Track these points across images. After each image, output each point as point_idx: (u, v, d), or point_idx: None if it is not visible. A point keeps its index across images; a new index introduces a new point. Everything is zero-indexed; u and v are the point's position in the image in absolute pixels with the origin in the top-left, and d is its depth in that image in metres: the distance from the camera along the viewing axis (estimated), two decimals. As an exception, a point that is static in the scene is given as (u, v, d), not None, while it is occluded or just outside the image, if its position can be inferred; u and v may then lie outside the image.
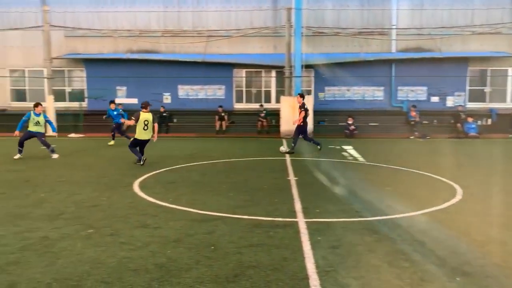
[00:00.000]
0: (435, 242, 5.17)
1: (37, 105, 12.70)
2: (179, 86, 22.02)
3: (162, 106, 21.18)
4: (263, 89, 22.59)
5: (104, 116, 17.03)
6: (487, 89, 22.75)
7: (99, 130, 20.22)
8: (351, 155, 13.71)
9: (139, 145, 11.29)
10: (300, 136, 14.02)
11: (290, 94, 19.78)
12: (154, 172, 10.05)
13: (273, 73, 22.33)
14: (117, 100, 21.32)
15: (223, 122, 20.77)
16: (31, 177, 9.48)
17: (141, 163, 10.94)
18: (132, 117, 11.24)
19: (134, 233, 5.50)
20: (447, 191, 8.15)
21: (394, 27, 21.85)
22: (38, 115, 12.51)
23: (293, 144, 13.76)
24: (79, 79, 22.35)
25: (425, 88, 22.44)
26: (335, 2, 21.71)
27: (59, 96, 21.34)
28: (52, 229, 5.65)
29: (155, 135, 11.38)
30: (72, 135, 19.56)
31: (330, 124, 21.20)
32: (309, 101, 19.75)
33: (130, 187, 8.40)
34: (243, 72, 22.40)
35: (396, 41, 21.90)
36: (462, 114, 21.03)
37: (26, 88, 22.50)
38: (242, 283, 4.01)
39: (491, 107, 22.32)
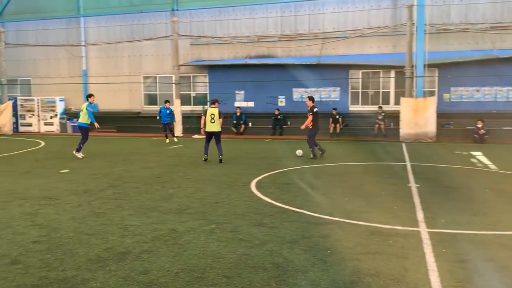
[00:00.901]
0: None
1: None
2: (294, 89, 22.27)
3: (276, 109, 21.66)
4: (381, 90, 21.76)
5: (157, 117, 18.53)
6: None
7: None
8: (481, 162, 12.48)
9: (210, 138, 12.20)
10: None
11: (411, 95, 18.73)
12: (269, 173, 10.31)
13: (392, 74, 21.37)
14: (235, 104, 22.41)
15: (337, 125, 20.48)
16: (161, 174, 10.39)
17: (204, 158, 12.24)
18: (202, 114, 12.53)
19: (252, 231, 5.70)
20: None
21: (535, 19, 19.37)
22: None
23: (311, 149, 12.81)
24: (203, 84, 23.93)
25: None
26: (463, -4, 20.02)
27: (185, 100, 23.09)
28: (179, 223, 6.12)
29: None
30: (196, 136, 20.98)
31: (456, 128, 19.56)
32: (432, 103, 18.51)
33: (247, 186, 8.72)
34: (359, 73, 21.84)
35: (538, 35, 19.37)
36: None
37: (157, 93, 24.78)
38: (360, 291, 3.90)
39: None
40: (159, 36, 23.36)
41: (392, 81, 21.59)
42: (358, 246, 5.09)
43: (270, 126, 21.44)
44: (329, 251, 4.92)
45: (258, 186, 8.74)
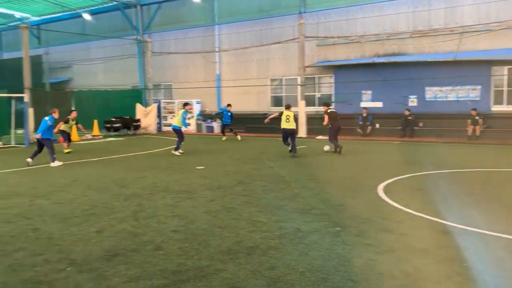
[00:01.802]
0: None
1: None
2: (427, 88, 20.85)
3: (407, 109, 20.51)
4: (531, 88, 19.18)
5: (216, 113, 19.32)
6: None
7: (344, 132, 21.02)
8: None
9: (287, 136, 14.05)
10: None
11: None
12: (398, 177, 9.83)
13: (546, 69, 18.70)
14: (362, 104, 21.83)
15: (477, 127, 18.59)
16: (286, 173, 10.63)
17: (293, 154, 13.72)
18: (277, 113, 14.70)
19: (379, 237, 5.51)
20: None
21: None
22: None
23: (335, 145, 14.48)
24: (328, 85, 23.82)
25: None
26: None
27: (309, 101, 23.25)
28: (304, 223, 6.20)
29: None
30: (320, 137, 20.97)
31: None
32: None
33: (374, 190, 8.44)
34: (504, 70, 19.55)
35: None
36: None
37: (283, 94, 25.38)
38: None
39: None
40: (286, 39, 23.89)
41: (546, 77, 18.88)
42: (499, 262, 4.59)
43: (400, 127, 20.40)
44: (465, 264, 4.52)
45: (386, 190, 8.40)
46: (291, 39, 23.49)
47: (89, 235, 5.77)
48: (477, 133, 18.61)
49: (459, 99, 20.02)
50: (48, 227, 6.15)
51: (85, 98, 25.00)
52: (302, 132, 21.64)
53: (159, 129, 27.00)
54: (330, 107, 15.67)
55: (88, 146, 18.86)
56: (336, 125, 14.77)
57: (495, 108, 19.85)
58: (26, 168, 12.15)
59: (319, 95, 24.03)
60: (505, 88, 19.77)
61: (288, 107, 14.51)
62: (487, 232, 5.59)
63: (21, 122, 19.82)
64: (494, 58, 19.16)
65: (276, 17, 24.46)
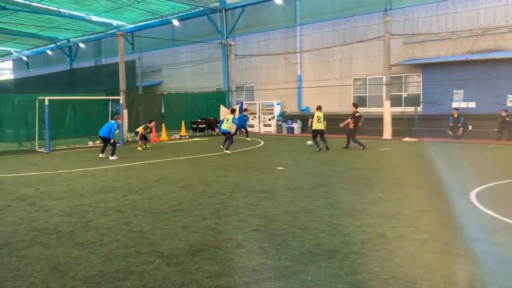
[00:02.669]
0: None
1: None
2: (529, 87, 19.03)
3: (504, 110, 18.84)
4: None
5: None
6: None
7: (433, 134, 19.98)
8: None
9: (316, 135, 15.76)
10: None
11: None
12: (494, 183, 9.07)
13: None
14: (453, 104, 20.47)
15: None
16: (369, 176, 10.31)
17: (317, 149, 15.45)
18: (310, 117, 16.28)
19: (471, 246, 5.14)
20: None
21: None
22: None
23: (359, 145, 16.04)
24: (415, 84, 22.68)
25: None
26: None
27: (395, 101, 22.31)
28: (388, 228, 5.97)
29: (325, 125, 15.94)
30: (406, 139, 20.06)
31: None
32: None
33: (466, 196, 7.87)
34: None
35: None
36: None
37: (366, 94, 24.64)
38: None
39: None
40: (370, 38, 23.19)
41: None
42: None
43: (496, 129, 18.82)
44: None
45: (479, 196, 7.80)
46: (376, 37, 22.75)
47: (176, 230, 6.07)
48: None
49: None
50: (140, 221, 6.58)
51: (173, 100, 26.35)
52: (387, 134, 20.85)
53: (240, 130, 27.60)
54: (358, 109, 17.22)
55: (176, 145, 19.86)
56: (355, 128, 16.65)
57: None
58: (121, 165, 13.12)
59: (406, 95, 22.96)
60: None
61: (319, 109, 16.19)
62: None
63: (116, 123, 21.40)
64: None
65: (360, 15, 23.83)
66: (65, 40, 43.16)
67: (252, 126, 27.60)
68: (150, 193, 8.78)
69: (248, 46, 29.09)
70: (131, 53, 35.83)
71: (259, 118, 27.46)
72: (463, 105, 20.41)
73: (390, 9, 22.56)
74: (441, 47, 21.36)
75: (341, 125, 17.15)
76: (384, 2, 22.75)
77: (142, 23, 35.13)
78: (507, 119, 18.61)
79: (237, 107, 22.91)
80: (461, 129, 19.61)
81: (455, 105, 20.42)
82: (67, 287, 4.19)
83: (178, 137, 23.72)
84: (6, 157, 15.88)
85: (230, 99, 27.90)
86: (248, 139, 21.45)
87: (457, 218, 6.40)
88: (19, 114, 18.22)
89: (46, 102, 17.25)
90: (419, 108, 21.79)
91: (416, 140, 19.77)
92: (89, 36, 40.41)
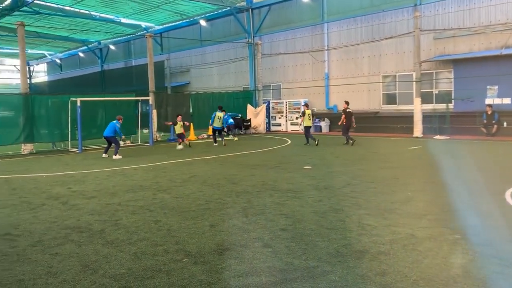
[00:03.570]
0: None
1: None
2: None
3: (542, 106, 18.13)
4: None
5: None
6: None
7: (466, 132, 19.40)
8: None
9: (308, 130, 18.20)
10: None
11: None
12: (531, 182, 8.72)
13: None
14: (486, 101, 19.83)
15: None
16: (399, 175, 10.11)
17: (313, 143, 17.70)
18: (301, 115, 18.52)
19: (507, 248, 4.95)
20: None
21: None
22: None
23: (347, 138, 18.05)
24: (447, 80, 22.08)
25: None
26: None
27: (426, 98, 21.79)
28: (418, 228, 5.82)
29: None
30: (437, 136, 19.57)
31: None
32: None
33: (501, 195, 7.60)
34: None
35: None
36: None
37: (396, 92, 24.15)
38: None
39: None
40: (399, 34, 22.73)
41: None
42: None
43: (532, 126, 18.12)
44: None
45: (515, 196, 7.52)
46: (405, 33, 22.29)
47: (203, 228, 6.11)
48: None
49: None
50: (168, 220, 6.66)
51: (201, 100, 26.57)
52: (418, 132, 20.40)
53: (268, 128, 27.60)
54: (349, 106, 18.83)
55: (204, 144, 20.03)
56: (348, 123, 18.27)
57: None
58: (150, 164, 13.33)
59: (437, 92, 22.39)
60: None
61: (307, 106, 18.89)
62: None
63: (146, 123, 21.77)
64: None
65: (389, 11, 23.39)
66: (96, 42, 44.20)
67: (279, 125, 27.55)
68: (178, 191, 8.88)
69: (274, 45, 29.02)
70: (160, 54, 36.34)
71: (286, 117, 27.36)
72: (497, 101, 19.73)
73: (420, 4, 22.04)
74: (474, 41, 20.71)
75: (339, 123, 18.83)
76: (413, -3, 22.26)
77: (170, 24, 35.57)
78: (545, 115, 17.87)
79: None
80: (495, 126, 18.97)
81: (488, 101, 19.78)
82: (97, 284, 4.28)
83: (205, 136, 23.92)
84: (40, 157, 16.41)
85: (257, 98, 27.92)
86: (236, 138, 21.96)
87: (491, 218, 6.19)
88: (52, 115, 18.79)
89: (78, 103, 17.73)
90: (451, 105, 21.21)
91: (447, 138, 19.26)
92: (119, 38, 41.28)
